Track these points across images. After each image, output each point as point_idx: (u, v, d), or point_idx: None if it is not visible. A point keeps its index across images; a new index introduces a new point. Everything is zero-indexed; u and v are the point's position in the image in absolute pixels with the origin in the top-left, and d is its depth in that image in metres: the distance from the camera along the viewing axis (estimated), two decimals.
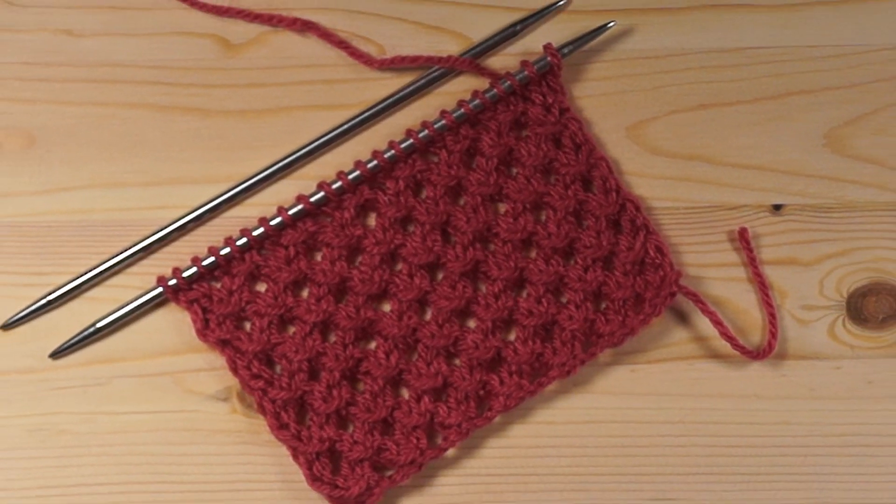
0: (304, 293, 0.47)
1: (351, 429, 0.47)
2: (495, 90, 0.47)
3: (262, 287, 0.47)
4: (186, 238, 0.48)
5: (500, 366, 0.47)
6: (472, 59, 0.48)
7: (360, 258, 0.47)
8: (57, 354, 0.47)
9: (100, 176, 0.48)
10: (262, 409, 0.45)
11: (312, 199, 0.46)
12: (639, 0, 0.50)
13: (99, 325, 0.47)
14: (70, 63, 0.49)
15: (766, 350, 0.47)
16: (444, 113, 0.46)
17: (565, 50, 0.48)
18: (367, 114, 0.48)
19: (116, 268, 0.48)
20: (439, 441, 0.46)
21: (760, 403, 0.48)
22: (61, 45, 0.49)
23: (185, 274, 0.47)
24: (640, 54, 0.50)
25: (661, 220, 0.48)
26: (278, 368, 0.46)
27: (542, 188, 0.47)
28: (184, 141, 0.49)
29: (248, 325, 0.47)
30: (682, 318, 0.48)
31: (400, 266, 0.47)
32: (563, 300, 0.47)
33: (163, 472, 0.46)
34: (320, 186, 0.46)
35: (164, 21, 0.49)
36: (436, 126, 0.46)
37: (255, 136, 0.49)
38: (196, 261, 0.47)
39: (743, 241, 0.48)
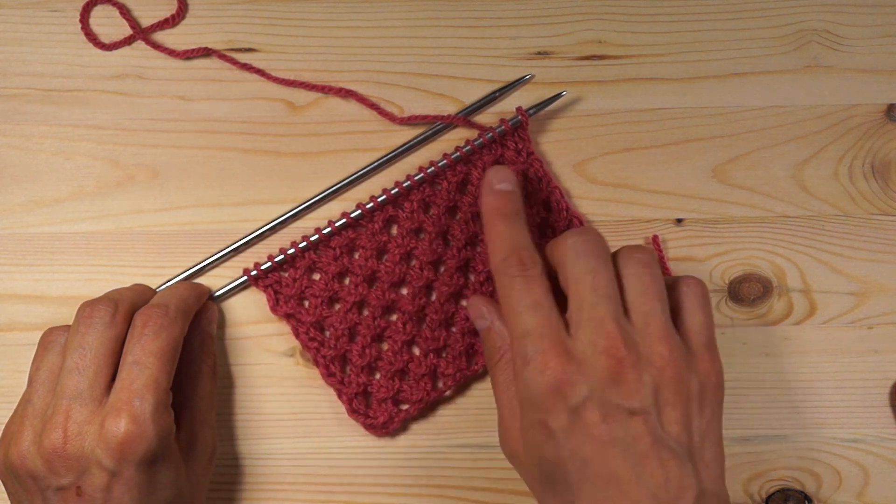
0: (346, 281, 0.49)
1: (378, 376, 0.48)
2: (481, 139, 0.48)
3: (316, 276, 0.49)
4: (264, 242, 0.49)
5: None
6: (465, 117, 0.50)
7: (385, 256, 0.49)
8: None
9: (203, 198, 0.50)
10: (316, 363, 0.48)
11: (352, 215, 0.48)
12: (582, 75, 0.51)
13: None
14: (183, 119, 0.50)
15: None
16: (445, 155, 0.48)
17: (531, 111, 0.49)
18: (390, 155, 0.50)
19: (215, 263, 0.49)
20: (440, 385, 0.48)
21: None
22: (177, 107, 0.50)
23: (263, 267, 0.48)
24: (583, 113, 0.51)
25: (599, 230, 0.46)
26: (327, 334, 0.48)
27: None
28: (262, 174, 0.50)
29: (306, 303, 0.48)
30: None
31: (413, 262, 0.49)
32: None
33: (248, 406, 0.49)
34: (358, 206, 0.48)
35: (248, 89, 0.50)
36: (439, 164, 0.48)
37: (312, 170, 0.50)
38: (270, 258, 0.48)
39: (655, 244, 0.50)
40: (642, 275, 0.41)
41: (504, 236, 0.43)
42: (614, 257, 0.42)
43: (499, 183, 0.45)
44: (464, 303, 0.49)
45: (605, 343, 0.39)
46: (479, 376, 0.50)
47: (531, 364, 0.39)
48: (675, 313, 0.42)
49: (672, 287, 0.42)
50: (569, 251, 0.41)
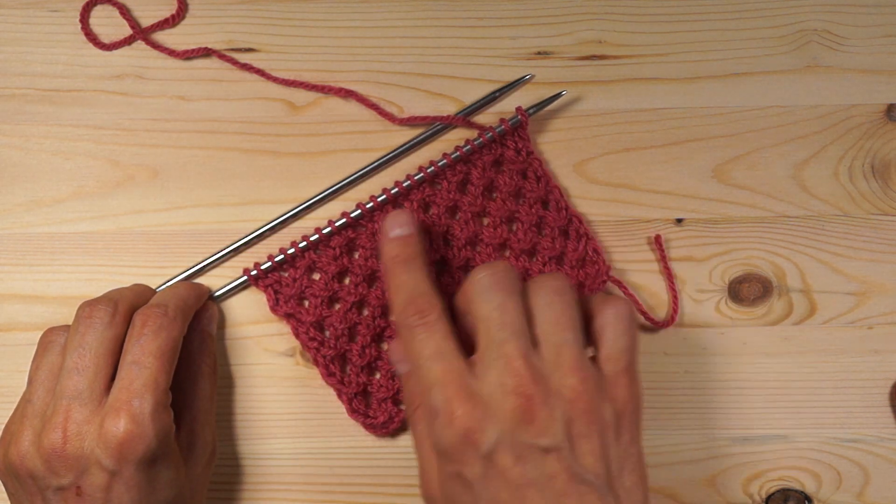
0: (346, 281, 0.48)
1: (378, 376, 0.48)
2: (481, 139, 0.48)
3: (316, 276, 0.48)
4: (264, 242, 0.49)
5: None
6: (465, 117, 0.49)
7: None
8: None
9: (204, 198, 0.49)
10: (316, 363, 0.48)
11: (352, 215, 0.48)
12: (582, 75, 0.51)
13: None
14: (183, 119, 0.50)
15: (670, 321, 0.49)
16: (445, 155, 0.48)
17: (531, 110, 0.49)
18: (390, 155, 0.49)
19: (215, 263, 0.49)
20: None
21: (667, 358, 0.49)
22: (176, 107, 0.50)
23: (263, 267, 0.48)
24: (583, 113, 0.50)
25: (598, 230, 0.50)
26: (327, 333, 0.48)
27: (514, 207, 0.48)
28: (262, 174, 0.50)
29: (306, 303, 0.48)
30: None
31: None
32: None
33: (248, 406, 0.49)
34: (358, 206, 0.48)
35: (248, 89, 0.50)
36: (439, 164, 0.48)
37: (312, 170, 0.50)
38: (270, 258, 0.48)
39: (657, 244, 0.49)
40: (554, 303, 0.40)
41: (401, 284, 0.42)
42: (527, 287, 0.41)
43: (393, 229, 0.44)
44: None
45: (513, 382, 0.37)
46: None
47: (439, 416, 0.38)
48: (597, 336, 0.40)
49: (597, 308, 0.41)
50: (476, 287, 0.40)
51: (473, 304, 0.40)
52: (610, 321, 0.40)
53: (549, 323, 0.39)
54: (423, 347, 0.40)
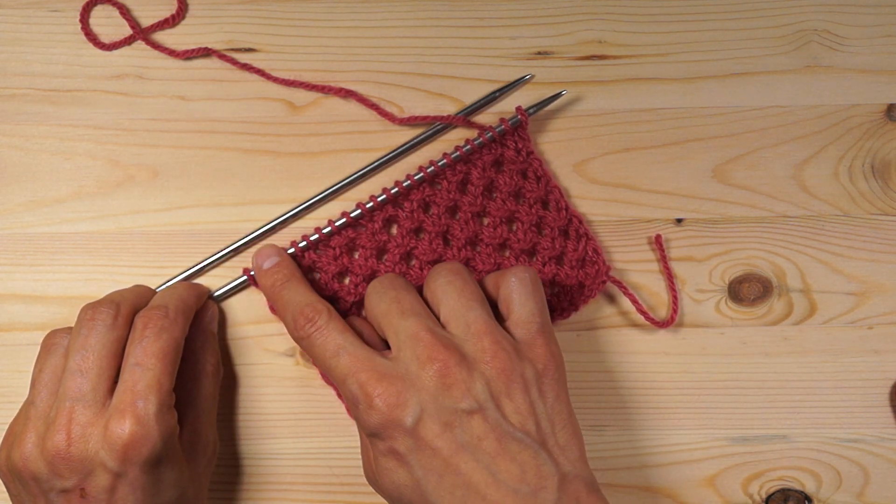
0: (346, 280, 0.48)
1: None
2: (481, 139, 0.48)
3: (316, 276, 0.48)
4: (264, 242, 0.49)
5: None
6: (465, 117, 0.49)
7: (385, 256, 0.48)
8: None
9: (204, 198, 0.49)
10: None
11: (352, 215, 0.48)
12: (582, 75, 0.50)
13: None
14: (183, 119, 0.50)
15: (670, 321, 0.48)
16: (445, 155, 0.48)
17: (531, 110, 0.49)
18: (390, 155, 0.49)
19: (215, 263, 0.49)
20: None
21: (667, 358, 0.49)
22: (177, 107, 0.50)
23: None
24: (583, 113, 0.50)
25: (598, 230, 0.49)
26: None
27: (514, 207, 0.48)
28: (262, 174, 0.49)
29: None
30: (611, 298, 0.49)
31: (413, 262, 0.48)
32: None
33: (248, 406, 0.49)
34: (358, 206, 0.48)
35: (248, 89, 0.50)
36: (440, 164, 0.48)
37: (312, 170, 0.50)
38: None
39: (657, 244, 0.49)
40: (454, 282, 0.41)
41: (286, 303, 0.44)
42: (426, 281, 0.43)
43: (264, 262, 0.46)
44: None
45: (426, 352, 0.38)
46: None
47: (360, 402, 0.39)
48: (505, 305, 0.42)
49: (501, 280, 0.42)
50: (371, 294, 0.42)
51: (373, 308, 0.42)
52: (514, 288, 0.42)
53: (453, 299, 0.41)
54: (323, 350, 0.41)
